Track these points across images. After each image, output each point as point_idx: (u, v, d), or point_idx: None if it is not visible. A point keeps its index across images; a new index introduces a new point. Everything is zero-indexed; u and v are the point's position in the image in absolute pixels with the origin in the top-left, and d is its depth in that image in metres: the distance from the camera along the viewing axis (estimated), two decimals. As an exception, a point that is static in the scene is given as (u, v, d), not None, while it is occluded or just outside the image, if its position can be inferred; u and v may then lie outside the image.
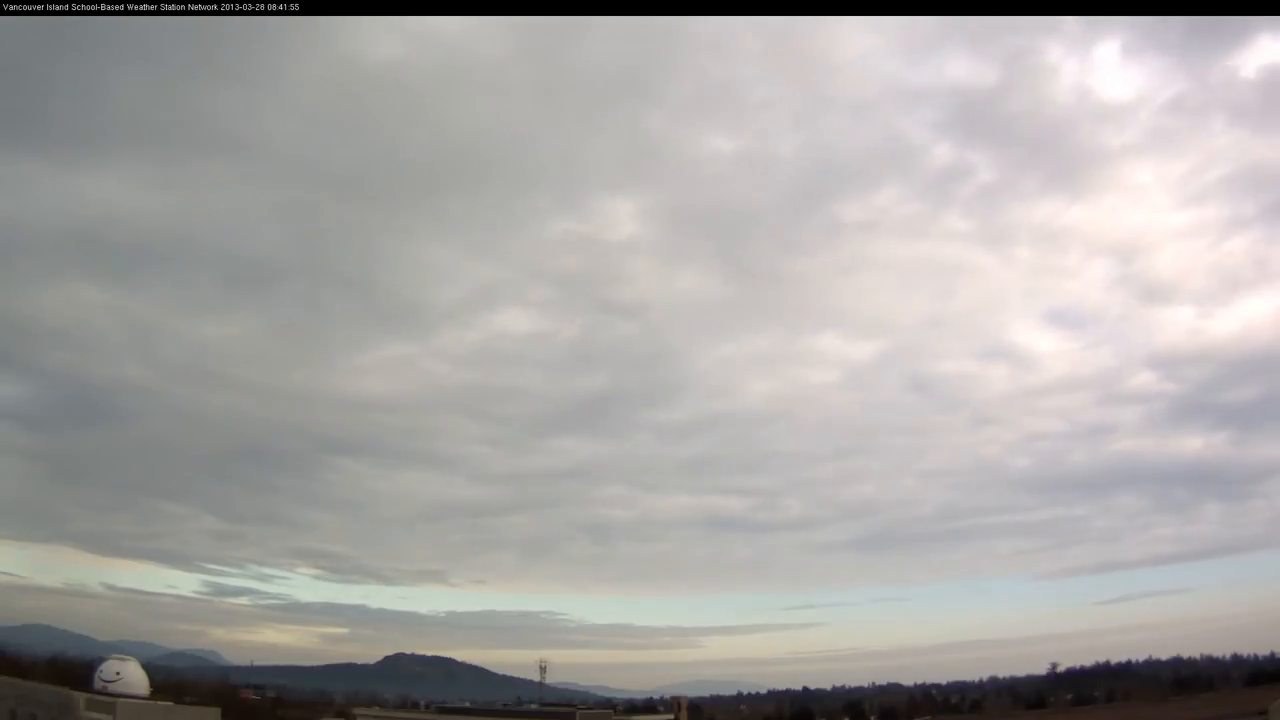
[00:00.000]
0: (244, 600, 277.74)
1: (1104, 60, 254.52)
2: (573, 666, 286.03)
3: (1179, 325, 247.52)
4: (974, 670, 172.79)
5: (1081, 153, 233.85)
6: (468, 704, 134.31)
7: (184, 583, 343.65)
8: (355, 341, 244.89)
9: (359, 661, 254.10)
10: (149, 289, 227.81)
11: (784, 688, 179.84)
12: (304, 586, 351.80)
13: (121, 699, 47.87)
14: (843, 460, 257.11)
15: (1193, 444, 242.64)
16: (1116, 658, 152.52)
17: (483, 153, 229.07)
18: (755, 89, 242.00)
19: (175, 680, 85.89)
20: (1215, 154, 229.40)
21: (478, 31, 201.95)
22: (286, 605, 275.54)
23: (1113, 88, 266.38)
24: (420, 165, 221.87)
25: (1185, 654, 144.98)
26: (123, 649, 76.88)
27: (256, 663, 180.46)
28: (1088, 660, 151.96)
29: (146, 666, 58.55)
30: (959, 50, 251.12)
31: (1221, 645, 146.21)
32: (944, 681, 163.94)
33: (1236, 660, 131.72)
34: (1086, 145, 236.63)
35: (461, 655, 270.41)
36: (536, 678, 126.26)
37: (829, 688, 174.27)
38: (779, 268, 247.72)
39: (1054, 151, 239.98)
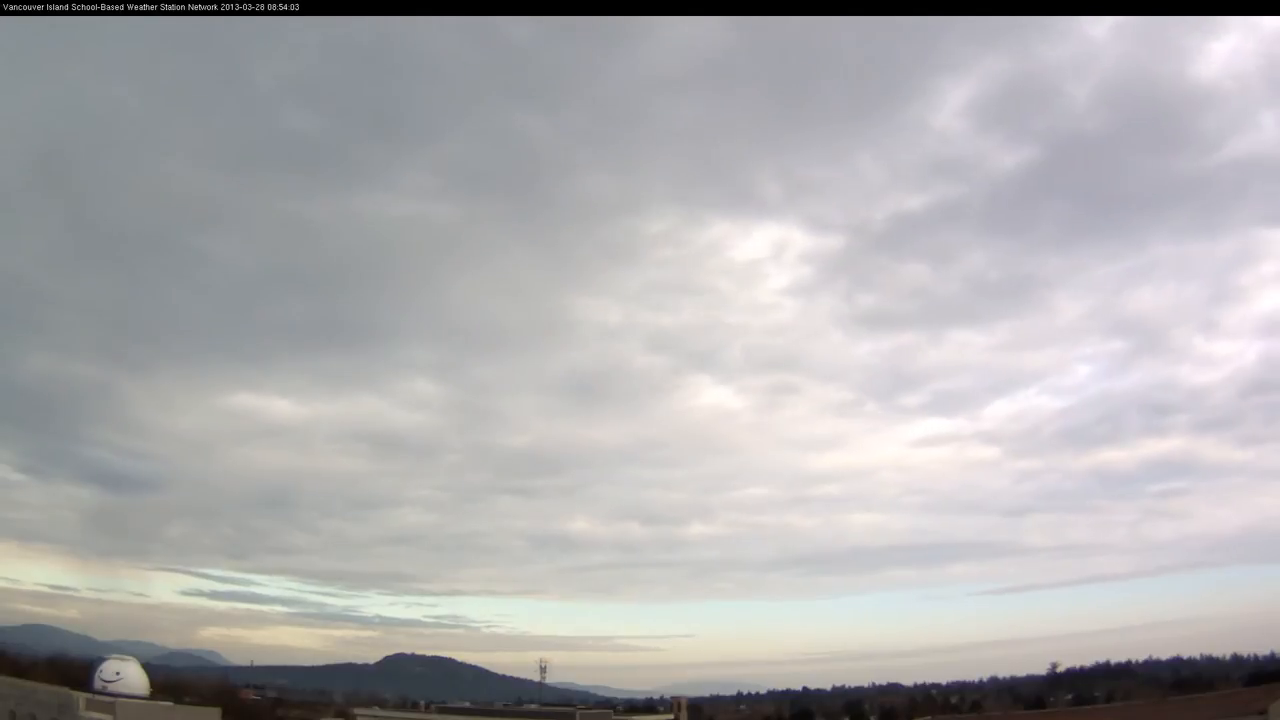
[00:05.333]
0: (245, 604, 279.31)
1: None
2: (573, 667, 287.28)
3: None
4: (974, 670, 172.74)
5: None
6: (468, 704, 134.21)
7: (186, 586, 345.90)
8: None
9: (359, 661, 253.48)
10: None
11: (784, 688, 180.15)
12: (304, 590, 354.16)
13: (121, 699, 47.93)
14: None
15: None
16: (1116, 658, 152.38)
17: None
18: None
19: (175, 680, 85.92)
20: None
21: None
22: (287, 606, 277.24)
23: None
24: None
25: (1185, 654, 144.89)
26: (122, 649, 76.83)
27: (256, 663, 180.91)
28: (1088, 660, 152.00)
29: (146, 666, 58.61)
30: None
31: (1221, 645, 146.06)
32: (944, 681, 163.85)
33: (1236, 660, 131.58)
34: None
35: (461, 655, 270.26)
36: (536, 678, 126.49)
37: (829, 688, 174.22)
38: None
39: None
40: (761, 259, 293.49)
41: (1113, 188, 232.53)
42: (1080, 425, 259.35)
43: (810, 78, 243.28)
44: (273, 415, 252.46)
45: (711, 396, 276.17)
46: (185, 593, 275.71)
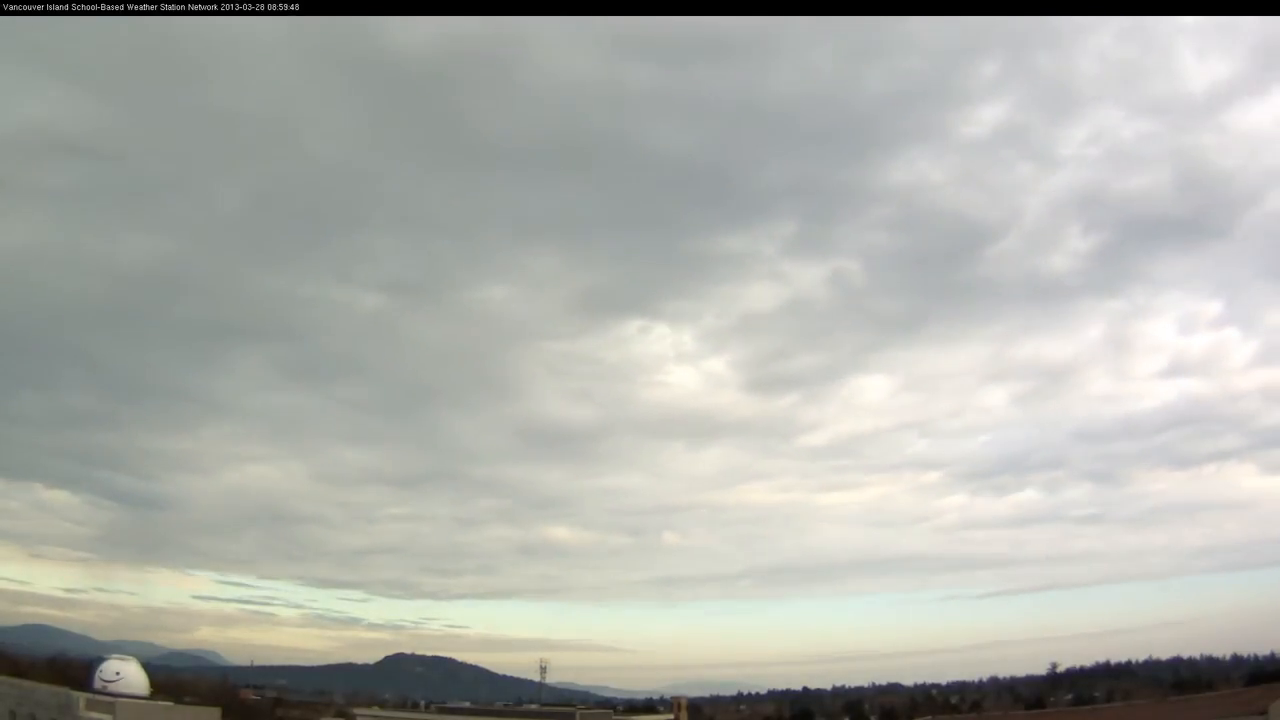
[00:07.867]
0: (247, 606, 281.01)
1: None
2: (573, 667, 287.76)
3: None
4: (974, 670, 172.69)
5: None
6: (468, 704, 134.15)
7: (191, 589, 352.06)
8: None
9: (359, 661, 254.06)
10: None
11: (784, 688, 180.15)
12: (304, 591, 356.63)
13: (121, 699, 47.81)
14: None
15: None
16: (1116, 658, 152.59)
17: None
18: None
19: (175, 680, 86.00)
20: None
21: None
22: (288, 608, 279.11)
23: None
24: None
25: (1185, 654, 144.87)
26: (122, 649, 76.67)
27: (256, 663, 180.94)
28: (1088, 660, 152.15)
29: (146, 666, 58.37)
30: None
31: (1221, 645, 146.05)
32: (944, 681, 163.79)
33: (1236, 660, 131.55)
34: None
35: (461, 655, 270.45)
36: (537, 678, 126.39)
37: (829, 688, 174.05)
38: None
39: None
40: (632, 336, 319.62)
41: (935, 285, 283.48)
42: (1017, 454, 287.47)
43: (659, 245, 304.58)
44: (261, 439, 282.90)
45: (640, 439, 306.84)
46: (192, 596, 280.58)
